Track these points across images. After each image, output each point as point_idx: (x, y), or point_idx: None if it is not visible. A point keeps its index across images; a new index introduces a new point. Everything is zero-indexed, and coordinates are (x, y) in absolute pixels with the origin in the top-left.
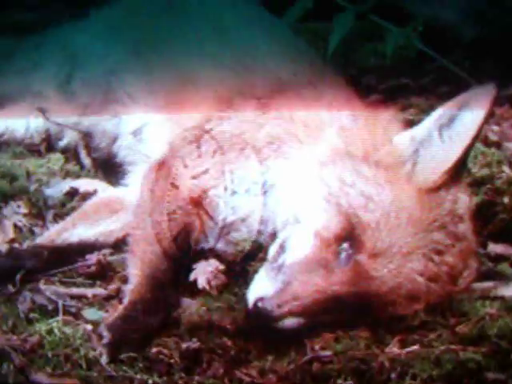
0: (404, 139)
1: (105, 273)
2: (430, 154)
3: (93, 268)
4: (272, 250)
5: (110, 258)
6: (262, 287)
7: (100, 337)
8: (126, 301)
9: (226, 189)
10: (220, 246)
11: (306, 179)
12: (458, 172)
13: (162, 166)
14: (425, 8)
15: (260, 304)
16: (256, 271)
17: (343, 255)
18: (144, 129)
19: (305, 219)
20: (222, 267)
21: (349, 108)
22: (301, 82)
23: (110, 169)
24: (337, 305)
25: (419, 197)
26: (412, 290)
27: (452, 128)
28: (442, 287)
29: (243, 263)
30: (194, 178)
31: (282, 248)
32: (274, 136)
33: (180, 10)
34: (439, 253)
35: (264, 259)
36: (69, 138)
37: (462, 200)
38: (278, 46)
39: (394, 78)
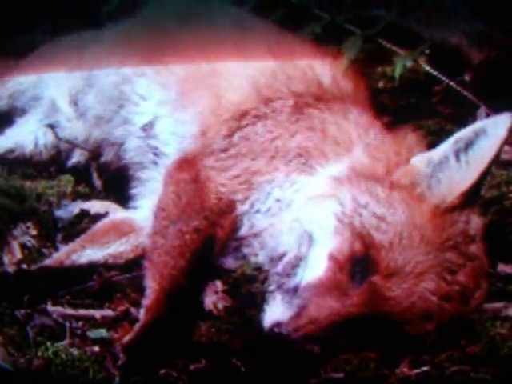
0: (421, 161)
1: (111, 293)
2: (447, 176)
3: (97, 287)
4: (284, 271)
5: (119, 278)
6: (277, 311)
7: (113, 358)
8: (142, 319)
9: (252, 206)
10: (229, 261)
11: (322, 197)
12: (472, 195)
13: (190, 163)
14: (432, 31)
15: (276, 329)
16: (261, 293)
17: (357, 277)
18: (157, 122)
19: (318, 240)
20: (225, 288)
21: (373, 127)
22: (334, 93)
23: (120, 187)
24: (351, 327)
25: (433, 217)
26: (425, 309)
27: (469, 153)
28: (453, 307)
29: (247, 285)
30: (222, 185)
31: (294, 268)
32: (303, 148)
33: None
34: (451, 272)
35: (265, 281)
36: (78, 156)
37: (474, 221)
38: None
39: (403, 99)
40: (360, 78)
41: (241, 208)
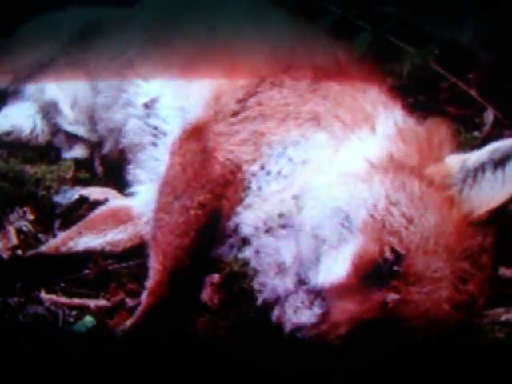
0: (456, 162)
1: (107, 283)
2: (480, 187)
3: (92, 275)
4: (302, 270)
5: (115, 268)
6: (299, 315)
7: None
8: (143, 302)
9: (262, 167)
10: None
11: (353, 180)
12: (499, 213)
13: (200, 131)
14: (442, 30)
15: (298, 334)
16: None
17: (379, 280)
18: (159, 99)
19: (343, 235)
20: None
21: (398, 109)
22: (353, 71)
23: (121, 173)
24: (369, 331)
25: (459, 226)
26: (436, 316)
27: (506, 169)
28: (460, 315)
29: (238, 282)
30: (230, 151)
31: (314, 266)
32: (316, 113)
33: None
34: (463, 281)
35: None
36: (80, 148)
37: (490, 233)
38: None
39: (411, 97)
40: (374, 66)
41: (249, 169)
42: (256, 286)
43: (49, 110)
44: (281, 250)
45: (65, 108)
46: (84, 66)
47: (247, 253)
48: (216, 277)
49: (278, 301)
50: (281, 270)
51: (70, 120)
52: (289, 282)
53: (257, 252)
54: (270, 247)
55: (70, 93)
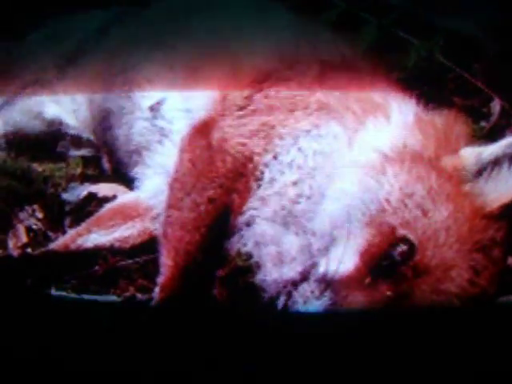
0: (471, 154)
1: (117, 279)
2: (495, 181)
3: (101, 271)
4: (311, 261)
5: (125, 264)
6: (308, 305)
7: None
8: (156, 298)
9: (274, 157)
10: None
11: (366, 172)
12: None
13: (208, 127)
14: (447, 21)
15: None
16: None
17: (388, 270)
18: (165, 101)
19: (353, 224)
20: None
21: (410, 100)
22: (358, 65)
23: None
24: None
25: (471, 219)
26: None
27: None
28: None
29: (243, 277)
30: (239, 143)
31: (324, 257)
32: (324, 103)
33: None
34: (476, 273)
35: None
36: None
37: (503, 227)
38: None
39: (416, 88)
40: (380, 59)
41: (261, 160)
42: (261, 278)
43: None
44: (289, 241)
45: (69, 120)
46: (88, 73)
47: (250, 246)
48: (220, 271)
49: (284, 291)
50: (289, 260)
51: (75, 128)
52: (296, 274)
53: (260, 244)
54: (278, 238)
55: (69, 107)
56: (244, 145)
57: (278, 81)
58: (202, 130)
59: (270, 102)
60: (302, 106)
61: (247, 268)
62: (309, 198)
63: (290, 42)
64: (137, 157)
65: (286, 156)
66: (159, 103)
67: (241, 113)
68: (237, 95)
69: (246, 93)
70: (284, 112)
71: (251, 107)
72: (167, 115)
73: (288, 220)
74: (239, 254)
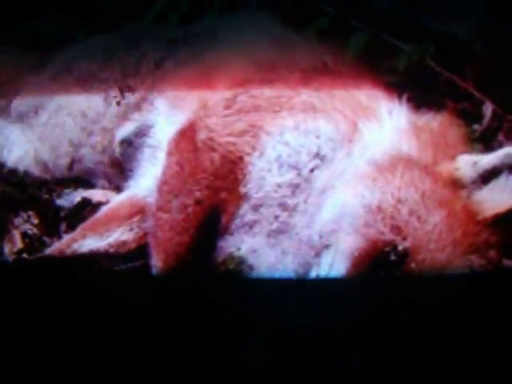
0: (468, 162)
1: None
2: (490, 190)
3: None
4: (302, 267)
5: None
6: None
7: None
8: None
9: (261, 153)
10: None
11: (357, 181)
12: (506, 217)
13: (193, 129)
14: (439, 24)
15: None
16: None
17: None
18: (154, 126)
19: (344, 229)
20: None
21: (403, 105)
22: (342, 71)
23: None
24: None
25: (466, 224)
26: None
27: None
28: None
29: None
30: (227, 142)
31: (314, 264)
32: (309, 104)
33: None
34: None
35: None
36: None
37: (497, 231)
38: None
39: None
40: (367, 65)
41: (248, 159)
42: (253, 282)
43: None
44: (280, 246)
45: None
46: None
47: (244, 251)
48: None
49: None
50: (279, 266)
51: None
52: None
53: (254, 251)
54: (269, 243)
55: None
56: (232, 143)
57: (262, 82)
58: (187, 132)
59: (256, 102)
60: (288, 106)
61: (239, 272)
62: (300, 203)
63: (270, 53)
64: (128, 164)
65: (273, 151)
66: (148, 128)
67: (226, 112)
68: (219, 99)
69: (228, 95)
70: (271, 113)
71: (236, 106)
72: (157, 137)
73: (280, 226)
74: (232, 257)
